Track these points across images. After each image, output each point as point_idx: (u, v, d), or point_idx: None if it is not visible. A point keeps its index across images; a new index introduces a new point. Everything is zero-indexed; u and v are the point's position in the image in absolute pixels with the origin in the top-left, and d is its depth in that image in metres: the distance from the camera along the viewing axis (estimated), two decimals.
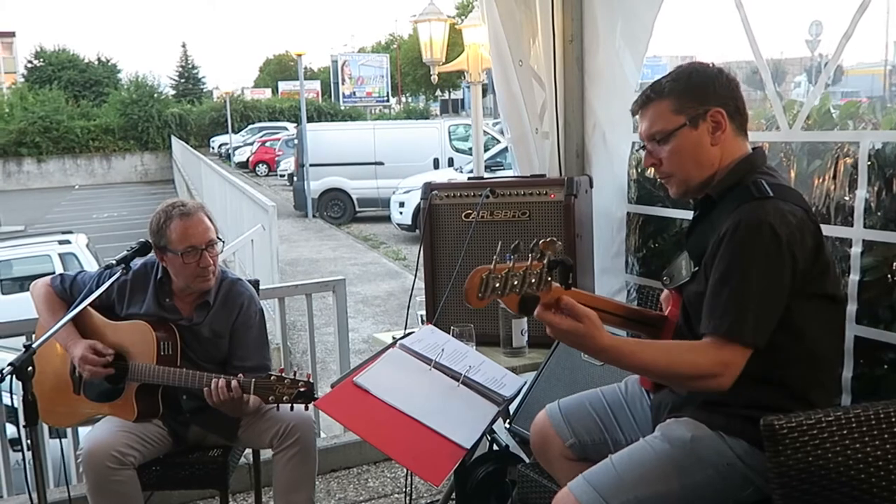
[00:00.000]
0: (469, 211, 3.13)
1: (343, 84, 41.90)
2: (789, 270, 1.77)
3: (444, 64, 4.22)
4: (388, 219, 15.35)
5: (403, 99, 56.22)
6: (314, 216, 17.16)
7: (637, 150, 3.22)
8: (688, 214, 3.00)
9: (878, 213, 2.31)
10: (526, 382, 2.64)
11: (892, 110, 2.45)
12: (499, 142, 17.08)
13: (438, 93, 58.78)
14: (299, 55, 18.44)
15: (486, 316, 3.07)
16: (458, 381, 2.38)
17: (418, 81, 55.73)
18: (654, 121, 1.97)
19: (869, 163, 2.29)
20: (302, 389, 2.56)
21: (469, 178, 3.40)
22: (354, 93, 42.34)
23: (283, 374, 2.61)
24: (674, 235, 3.09)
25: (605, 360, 1.85)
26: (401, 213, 14.31)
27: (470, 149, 17.49)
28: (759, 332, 1.77)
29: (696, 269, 1.91)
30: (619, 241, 3.32)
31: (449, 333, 2.74)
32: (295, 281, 4.68)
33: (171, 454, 2.88)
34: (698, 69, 1.98)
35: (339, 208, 17.21)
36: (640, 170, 3.22)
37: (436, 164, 16.57)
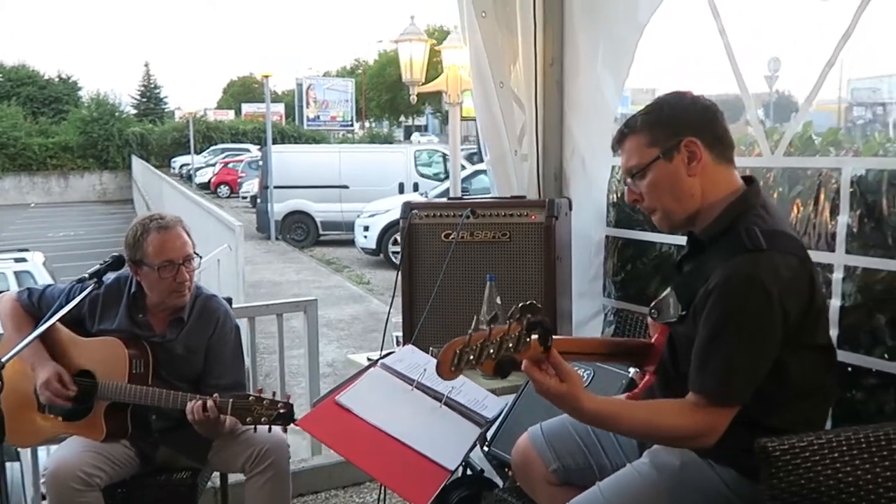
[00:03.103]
0: (449, 231, 3.11)
1: (307, 107, 41.89)
2: (780, 325, 1.74)
3: (423, 84, 4.22)
4: (352, 242, 15.27)
5: (367, 124, 56.32)
6: (277, 238, 17.02)
7: (617, 176, 3.23)
8: (668, 239, 3.02)
9: (860, 239, 2.33)
10: (506, 404, 2.61)
11: (872, 138, 2.50)
12: (464, 167, 17.19)
13: (402, 118, 59.07)
14: (266, 76, 18.39)
15: (462, 334, 3.04)
16: (440, 401, 2.35)
17: (382, 107, 55.91)
18: (630, 156, 1.95)
19: (851, 189, 2.32)
20: (281, 411, 2.50)
21: (449, 199, 3.38)
22: (319, 116, 42.34)
23: (262, 395, 2.55)
24: (653, 259, 3.10)
25: (587, 423, 1.85)
26: (365, 237, 14.25)
27: (435, 174, 17.61)
28: (745, 392, 1.76)
29: (684, 312, 1.87)
30: (597, 264, 3.32)
31: (428, 354, 2.71)
32: (265, 301, 4.61)
33: (139, 476, 2.80)
34: (670, 100, 1.95)
35: (302, 231, 17.09)
36: (619, 194, 3.23)
37: (401, 189, 16.55)
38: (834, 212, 2.40)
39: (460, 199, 3.42)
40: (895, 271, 2.27)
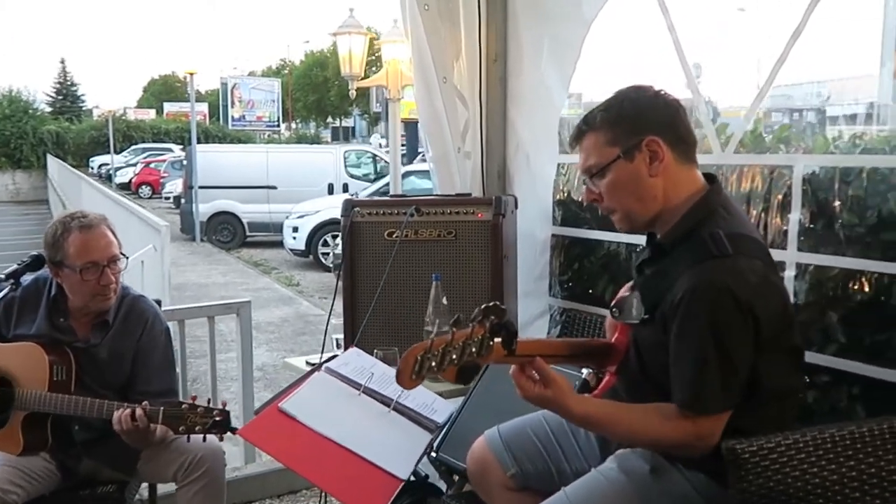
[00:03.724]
0: (392, 230, 3.00)
1: (232, 107, 41.12)
2: (752, 333, 1.69)
3: (362, 79, 4.09)
4: (280, 244, 14.96)
5: (294, 125, 55.64)
6: (202, 240, 16.55)
7: (564, 173, 3.18)
8: (617, 237, 2.98)
9: (812, 237, 2.32)
10: (455, 409, 2.52)
11: (820, 137, 2.49)
12: None
13: (330, 119, 58.53)
14: (191, 74, 17.89)
15: (409, 338, 2.94)
16: (389, 406, 2.24)
17: (309, 107, 55.33)
18: (589, 154, 1.87)
19: (804, 187, 2.30)
20: (217, 419, 2.35)
21: (392, 196, 3.27)
22: (244, 116, 41.59)
23: (196, 402, 2.39)
24: (601, 258, 3.05)
25: (578, 426, 1.78)
26: (294, 238, 13.97)
27: (365, 175, 17.43)
28: (729, 398, 1.71)
29: (647, 316, 1.81)
30: (543, 263, 3.26)
31: (373, 357, 2.60)
32: (196, 303, 4.41)
33: (59, 491, 2.60)
34: (631, 96, 1.87)
35: (228, 232, 16.66)
36: (566, 192, 3.18)
37: (330, 190, 16.30)
38: (786, 209, 2.38)
39: (403, 196, 3.31)
40: (847, 269, 2.26)
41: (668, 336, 1.76)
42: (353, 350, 2.50)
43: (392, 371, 2.47)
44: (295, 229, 13.96)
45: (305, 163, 17.03)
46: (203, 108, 45.13)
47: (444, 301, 2.82)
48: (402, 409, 2.25)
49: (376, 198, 3.58)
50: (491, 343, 1.62)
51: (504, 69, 3.43)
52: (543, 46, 3.20)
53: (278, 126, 43.76)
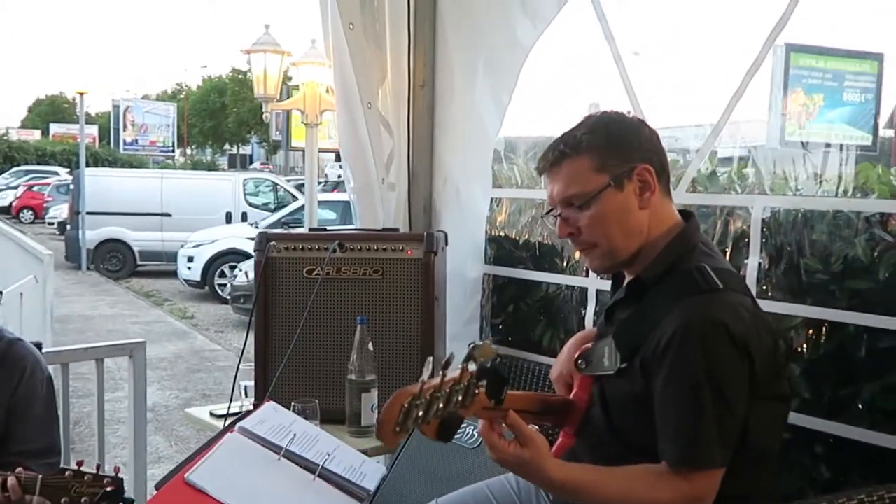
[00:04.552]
0: (312, 267, 2.71)
1: (124, 130, 39.48)
2: (748, 374, 1.52)
3: (277, 102, 3.80)
4: (173, 274, 14.28)
5: (189, 151, 54.11)
6: (89, 269, 15.64)
7: (496, 208, 2.98)
8: (557, 279, 2.79)
9: (770, 283, 2.18)
10: (385, 472, 2.24)
11: (779, 177, 2.38)
12: (296, 198, 16.60)
13: (227, 146, 57.20)
14: (81, 94, 16.98)
15: (330, 389, 2.66)
16: (314, 473, 1.95)
17: (206, 133, 53.93)
18: (571, 181, 1.66)
19: (764, 229, 2.16)
20: (108, 489, 1.99)
21: (311, 230, 2.99)
22: (137, 140, 40.00)
23: (83, 468, 2.03)
24: (538, 301, 2.85)
25: (553, 494, 1.57)
26: (189, 268, 13.36)
27: (265, 204, 16.92)
28: (727, 450, 1.51)
29: (624, 365, 1.60)
30: (474, 305, 3.03)
31: (291, 411, 2.30)
32: (82, 340, 3.97)
33: None
34: (615, 119, 1.70)
35: (117, 261, 15.80)
36: (501, 228, 2.98)
37: (228, 219, 15.74)
38: (741, 252, 2.24)
39: (324, 230, 3.04)
40: (809, 318, 2.12)
41: (649, 386, 1.56)
42: (270, 405, 2.19)
43: (312, 428, 2.20)
44: (190, 259, 13.36)
45: (202, 190, 16.41)
46: (93, 130, 43.22)
47: (370, 347, 2.56)
48: (328, 476, 1.96)
49: (294, 231, 3.29)
50: (476, 391, 1.37)
51: (432, 96, 3.23)
52: (477, 73, 3.01)
53: (173, 151, 42.35)
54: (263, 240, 2.74)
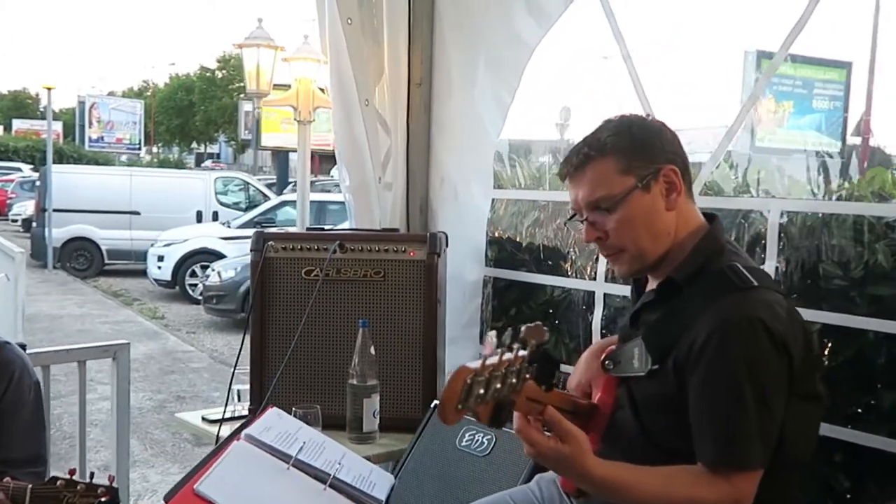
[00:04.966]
0: (311, 268, 2.63)
1: (90, 127, 38.88)
2: (786, 371, 1.49)
3: (267, 97, 3.70)
4: (142, 273, 14.04)
5: (155, 148, 53.37)
6: (55, 267, 15.31)
7: (498, 210, 2.92)
8: (561, 281, 2.74)
9: (788, 289, 2.14)
10: (394, 481, 2.17)
11: (794, 180, 2.35)
12: (268, 198, 16.42)
13: (195, 145, 56.53)
14: (49, 89, 16.61)
15: (330, 393, 2.58)
16: (325, 483, 1.87)
17: (172, 132, 53.21)
18: (597, 184, 1.62)
19: (781, 234, 2.13)
20: (103, 499, 1.90)
21: (308, 229, 2.91)
22: (102, 137, 39.40)
23: (75, 477, 1.93)
24: (542, 304, 2.79)
25: (591, 492, 1.48)
26: (159, 267, 13.12)
27: (235, 203, 16.71)
28: (767, 450, 1.47)
29: (656, 366, 1.56)
30: (473, 308, 2.96)
31: (293, 417, 2.22)
32: (54, 344, 3.82)
33: None
34: (637, 121, 1.68)
35: (85, 259, 15.49)
36: (503, 229, 2.91)
37: (199, 217, 15.52)
38: (755, 257, 2.20)
39: (321, 229, 2.95)
40: (828, 324, 2.08)
41: (682, 387, 1.52)
42: (274, 411, 2.11)
43: (317, 436, 2.12)
44: (160, 258, 13.14)
45: (172, 188, 16.14)
46: (58, 126, 42.48)
47: (372, 351, 2.49)
48: (339, 486, 1.88)
49: (292, 231, 3.20)
50: (527, 375, 1.29)
51: (429, 94, 3.15)
52: (477, 71, 2.94)
53: (139, 149, 41.75)
54: (261, 239, 2.65)
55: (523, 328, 1.27)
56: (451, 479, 2.24)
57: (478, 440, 2.25)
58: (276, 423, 2.03)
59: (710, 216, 1.70)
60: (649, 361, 1.57)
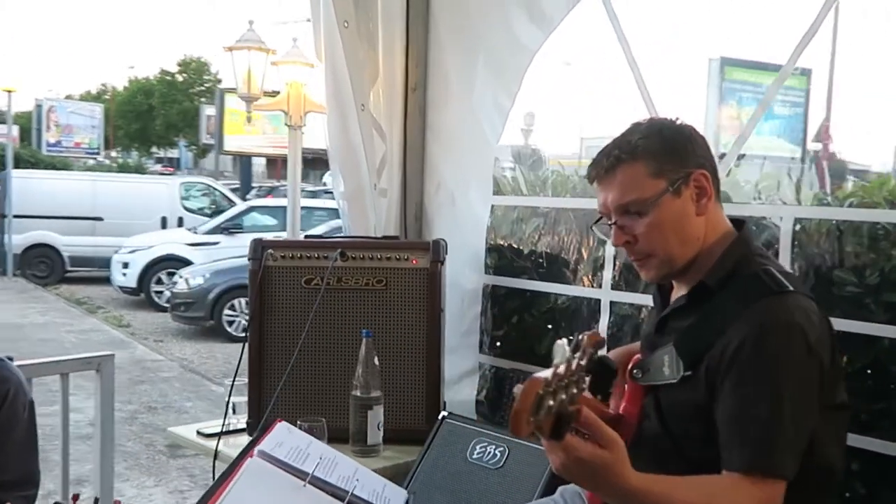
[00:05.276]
0: (311, 276, 2.57)
1: (48, 131, 38.08)
2: (818, 380, 1.47)
3: (257, 102, 3.62)
4: (105, 280, 13.77)
5: (114, 153, 52.48)
6: (15, 275, 14.95)
7: (499, 216, 2.88)
8: (566, 289, 2.71)
9: None
10: (407, 495, 2.12)
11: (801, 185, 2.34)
12: (234, 203, 16.20)
13: (155, 150, 55.72)
14: (9, 91, 16.25)
15: (332, 406, 2.52)
16: (343, 500, 1.81)
17: (132, 136, 52.37)
18: (628, 188, 1.59)
19: (795, 244, 2.12)
20: None
21: (306, 237, 2.84)
22: (60, 141, 38.59)
23: (79, 501, 1.85)
24: (545, 312, 2.75)
25: None
26: (124, 274, 12.88)
27: (200, 208, 16.47)
28: (796, 462, 1.44)
29: (688, 373, 1.53)
30: (472, 316, 2.92)
31: (301, 431, 2.16)
32: (49, 357, 3.65)
33: None
34: (668, 124, 1.65)
35: (46, 266, 15.15)
36: (503, 237, 2.88)
37: (164, 223, 15.29)
38: None
39: (320, 237, 2.89)
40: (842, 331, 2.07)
41: (713, 394, 1.50)
42: (283, 425, 2.03)
43: (328, 450, 2.06)
44: (125, 265, 12.90)
45: (136, 193, 15.89)
46: (13, 130, 41.62)
47: (376, 361, 2.44)
48: (356, 503, 1.82)
49: (291, 239, 3.13)
50: (584, 385, 1.23)
51: (424, 99, 3.11)
52: (476, 75, 2.90)
53: (98, 153, 41.04)
54: (259, 248, 2.58)
55: (584, 336, 1.23)
56: (462, 493, 2.20)
57: (490, 452, 2.21)
58: (287, 438, 1.96)
59: (738, 222, 1.68)
60: (681, 368, 1.54)
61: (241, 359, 2.54)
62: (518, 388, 1.14)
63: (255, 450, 1.87)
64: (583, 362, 1.22)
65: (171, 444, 6.26)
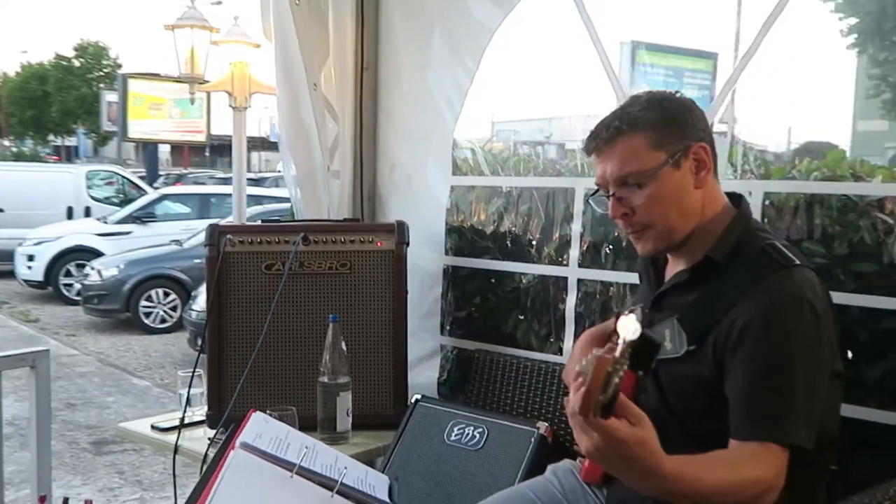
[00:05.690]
0: (272, 262, 2.48)
1: None
2: (828, 351, 1.50)
3: (202, 84, 3.47)
4: (8, 274, 13.11)
5: (6, 142, 50.03)
6: None
7: (457, 196, 2.84)
8: (532, 268, 2.70)
9: None
10: (390, 481, 2.07)
11: (767, 161, 2.38)
12: (144, 191, 15.64)
13: (52, 137, 53.37)
14: None
15: (297, 394, 2.44)
16: (332, 490, 1.75)
17: (26, 124, 50.01)
18: (627, 159, 1.58)
19: (765, 218, 2.15)
20: None
21: (263, 221, 2.74)
22: None
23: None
24: (511, 292, 2.73)
25: (653, 491, 1.31)
26: (29, 267, 12.27)
27: (107, 197, 15.85)
28: (813, 430, 1.46)
29: (693, 347, 1.53)
30: (433, 298, 2.87)
31: (278, 421, 2.08)
32: None
33: None
34: (668, 97, 1.64)
35: None
36: (463, 217, 2.84)
37: (70, 214, 14.65)
38: None
39: (279, 221, 2.79)
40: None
41: (720, 368, 1.50)
42: (259, 416, 1.95)
43: (307, 439, 1.99)
44: (30, 258, 12.29)
45: (39, 183, 15.12)
46: None
47: (344, 347, 2.37)
48: (347, 492, 1.76)
49: (250, 223, 3.01)
50: (625, 367, 1.18)
51: (376, 79, 3.04)
52: (431, 55, 2.85)
53: None
54: (215, 233, 2.47)
55: (619, 313, 1.21)
56: (441, 476, 2.17)
57: (468, 434, 2.18)
58: (265, 429, 1.89)
59: (735, 197, 1.69)
60: (685, 342, 1.54)
61: (200, 350, 2.43)
62: (584, 364, 1.11)
63: (237, 442, 1.78)
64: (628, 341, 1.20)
65: (96, 441, 6.02)
